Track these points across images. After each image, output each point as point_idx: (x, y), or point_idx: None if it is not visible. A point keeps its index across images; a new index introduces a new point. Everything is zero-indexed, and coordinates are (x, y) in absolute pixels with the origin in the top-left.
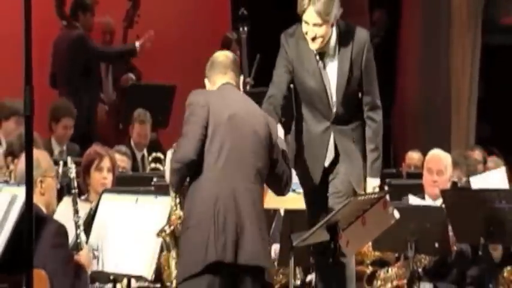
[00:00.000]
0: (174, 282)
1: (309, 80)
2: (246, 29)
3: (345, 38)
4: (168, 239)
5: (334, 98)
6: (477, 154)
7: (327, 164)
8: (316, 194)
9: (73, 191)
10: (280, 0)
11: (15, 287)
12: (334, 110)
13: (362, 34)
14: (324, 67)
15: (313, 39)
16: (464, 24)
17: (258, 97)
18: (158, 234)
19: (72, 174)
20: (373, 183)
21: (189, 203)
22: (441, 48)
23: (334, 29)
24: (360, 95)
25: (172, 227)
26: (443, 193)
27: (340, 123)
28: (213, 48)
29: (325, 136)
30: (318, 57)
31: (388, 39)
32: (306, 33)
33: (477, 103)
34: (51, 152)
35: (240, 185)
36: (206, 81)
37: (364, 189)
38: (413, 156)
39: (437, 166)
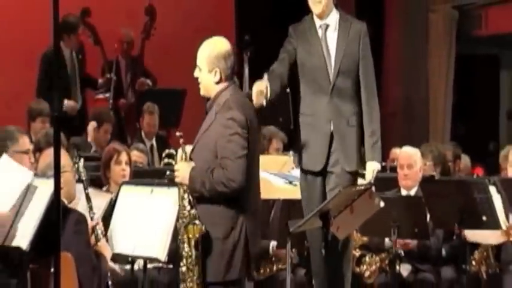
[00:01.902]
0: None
1: (311, 55)
2: (248, 53)
3: (345, 18)
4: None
5: (333, 70)
6: (447, 152)
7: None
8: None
9: (86, 191)
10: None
11: (45, 267)
12: (333, 81)
13: (360, 22)
14: (326, 40)
15: (314, 1)
16: (440, 36)
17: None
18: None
19: (84, 177)
20: (373, 167)
21: (219, 215)
22: (420, 58)
23: (336, 10)
24: (357, 78)
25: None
26: (422, 184)
27: (339, 97)
28: None
29: (325, 116)
30: (321, 30)
31: (372, 49)
32: (310, 3)
33: (452, 105)
34: (85, 149)
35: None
36: (213, 74)
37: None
38: (395, 153)
39: (407, 161)
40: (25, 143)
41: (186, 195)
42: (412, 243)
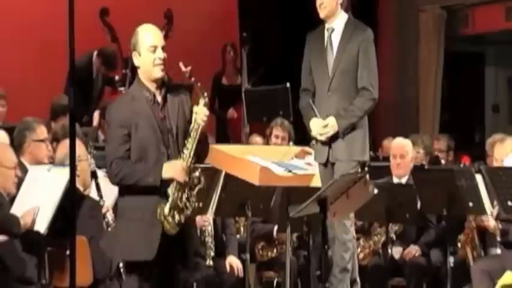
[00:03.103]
0: None
1: (317, 56)
2: (247, 48)
3: (351, 23)
4: None
5: (331, 70)
6: (442, 143)
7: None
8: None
9: (96, 180)
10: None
11: (62, 249)
12: (330, 79)
13: (364, 29)
14: (331, 42)
15: (320, 5)
16: (430, 35)
17: (255, 95)
18: None
19: (94, 167)
20: (331, 122)
21: None
22: (411, 54)
23: (345, 14)
24: (356, 80)
25: None
26: (413, 173)
27: (337, 95)
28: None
29: (325, 112)
30: (327, 33)
31: None
32: (317, 6)
33: (441, 99)
34: (97, 140)
35: None
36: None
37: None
38: (388, 143)
39: (399, 151)
40: (42, 132)
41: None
42: (417, 252)
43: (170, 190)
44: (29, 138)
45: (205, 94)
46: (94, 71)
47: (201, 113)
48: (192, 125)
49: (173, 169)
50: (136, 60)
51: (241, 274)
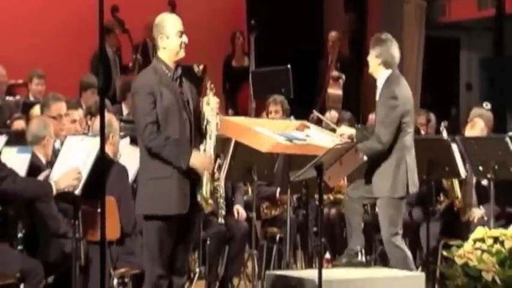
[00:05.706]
0: None
1: None
2: (255, 35)
3: None
4: None
5: None
6: (422, 117)
7: None
8: None
9: None
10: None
11: (94, 207)
12: None
13: None
14: None
15: None
16: (412, 23)
17: (262, 76)
18: None
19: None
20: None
21: None
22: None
23: None
24: None
25: None
26: None
27: None
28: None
29: None
30: None
31: (357, 34)
32: None
33: (421, 79)
34: (122, 113)
35: None
36: None
37: None
38: (372, 117)
39: None
40: (57, 108)
41: None
42: None
43: (204, 180)
44: (45, 114)
45: (213, 87)
46: (109, 55)
47: (213, 102)
48: (208, 114)
49: (200, 161)
50: (163, 43)
51: (243, 217)
